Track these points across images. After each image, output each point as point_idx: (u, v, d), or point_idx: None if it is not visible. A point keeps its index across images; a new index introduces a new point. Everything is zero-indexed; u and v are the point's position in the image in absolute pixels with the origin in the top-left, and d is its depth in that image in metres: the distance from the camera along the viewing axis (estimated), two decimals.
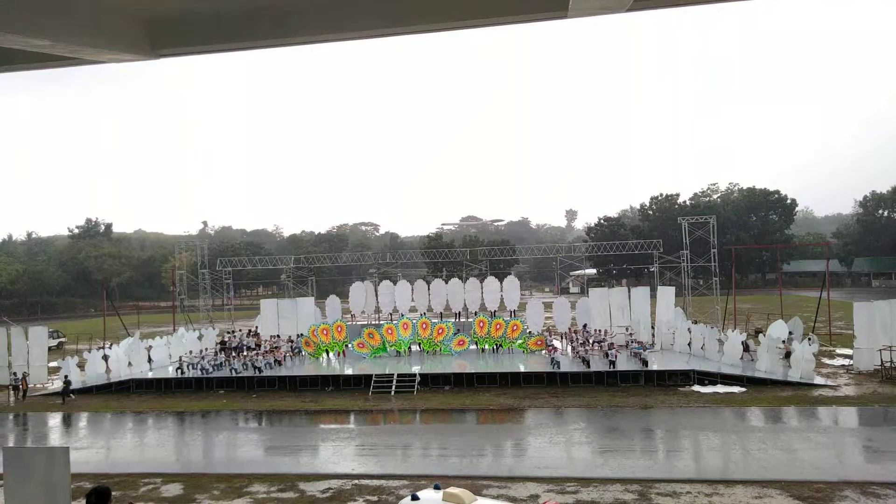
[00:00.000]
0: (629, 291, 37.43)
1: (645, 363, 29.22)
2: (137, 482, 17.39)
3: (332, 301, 41.11)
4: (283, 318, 37.00)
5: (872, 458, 17.69)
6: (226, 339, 38.29)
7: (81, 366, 33.54)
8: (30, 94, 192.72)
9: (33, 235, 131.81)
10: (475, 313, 39.18)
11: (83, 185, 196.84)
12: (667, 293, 36.96)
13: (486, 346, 35.09)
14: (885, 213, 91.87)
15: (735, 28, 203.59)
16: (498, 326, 34.91)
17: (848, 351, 32.28)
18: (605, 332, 34.76)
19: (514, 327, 34.81)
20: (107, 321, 49.85)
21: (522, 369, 29.98)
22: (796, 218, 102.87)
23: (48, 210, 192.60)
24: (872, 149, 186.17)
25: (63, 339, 51.75)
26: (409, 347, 35.49)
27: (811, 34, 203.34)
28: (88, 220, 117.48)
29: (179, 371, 31.82)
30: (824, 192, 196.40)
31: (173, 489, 16.80)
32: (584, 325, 36.26)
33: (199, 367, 32.07)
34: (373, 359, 34.46)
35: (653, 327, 35.40)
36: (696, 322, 36.50)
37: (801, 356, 27.31)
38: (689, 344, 32.42)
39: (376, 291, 41.14)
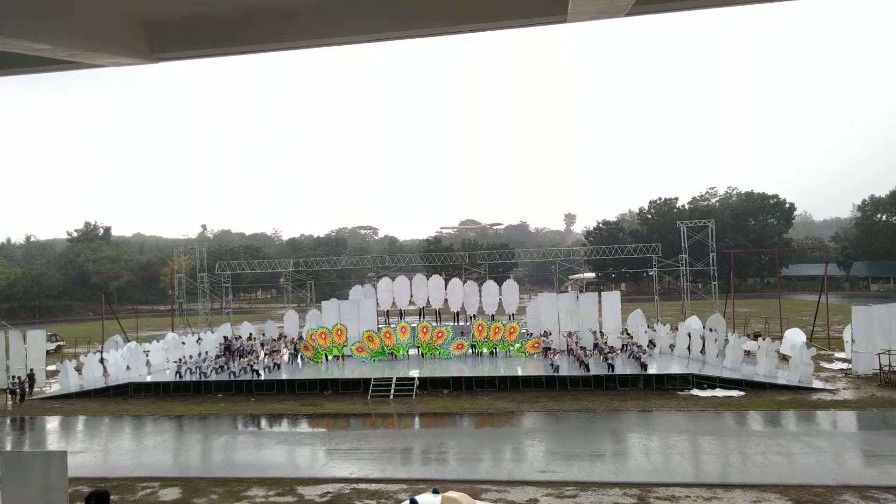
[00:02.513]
0: (577, 297, 37.51)
1: (644, 367, 29.21)
2: (135, 486, 17.34)
3: (332, 304, 41.15)
4: (344, 320, 36.87)
5: (871, 462, 17.68)
6: (231, 342, 38.20)
7: (79, 369, 33.48)
8: (28, 96, 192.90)
9: (32, 239, 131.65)
10: (473, 316, 39.28)
11: (82, 189, 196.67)
12: (612, 298, 37.20)
13: (485, 350, 35.10)
14: (884, 218, 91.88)
15: (732, 33, 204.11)
16: (497, 330, 34.97)
17: (846, 355, 32.28)
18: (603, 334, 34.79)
19: (512, 329, 34.88)
20: (105, 325, 49.84)
21: (521, 373, 29.95)
22: (795, 222, 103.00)
23: (47, 213, 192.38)
24: (870, 154, 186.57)
25: (61, 343, 51.64)
26: (408, 351, 35.49)
27: (808, 39, 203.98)
28: (87, 224, 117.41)
29: (178, 375, 31.77)
30: (823, 196, 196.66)
31: (171, 493, 16.75)
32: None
33: (197, 371, 32.02)
34: (372, 363, 34.46)
35: (602, 332, 35.61)
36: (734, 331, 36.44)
37: (800, 360, 27.34)
38: (688, 347, 32.44)
39: (375, 290, 41.34)
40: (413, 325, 35.96)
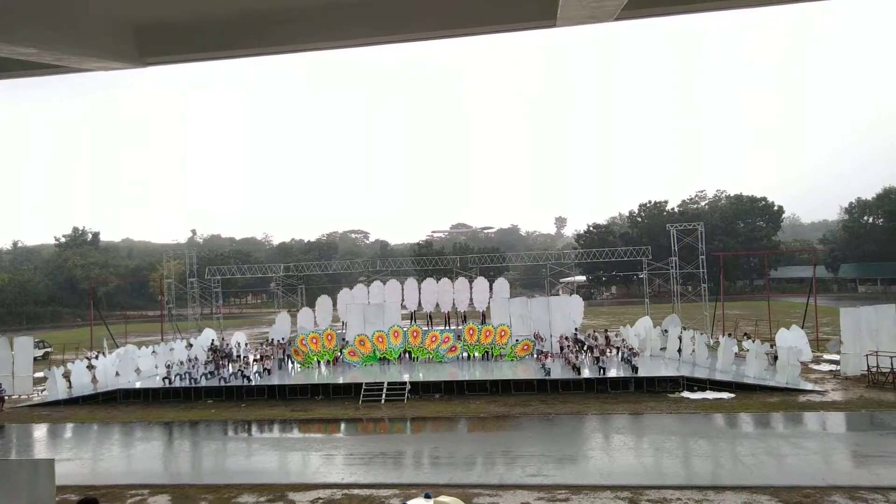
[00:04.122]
0: (528, 302, 37.64)
1: (635, 370, 29.29)
2: (124, 494, 17.16)
3: (323, 301, 41.06)
4: (369, 323, 36.68)
5: (860, 463, 17.81)
6: (218, 347, 37.95)
7: (67, 376, 33.17)
8: (14, 101, 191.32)
9: (19, 244, 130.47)
10: (464, 317, 39.36)
11: (70, 194, 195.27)
12: (561, 302, 37.83)
13: (476, 354, 35.07)
14: (870, 220, 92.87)
15: (726, 34, 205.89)
16: (487, 333, 35.00)
17: (835, 356, 32.52)
18: (595, 336, 34.90)
19: (502, 333, 34.92)
20: (94, 330, 49.41)
21: (512, 377, 29.93)
22: (783, 224, 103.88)
23: (34, 219, 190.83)
24: (863, 156, 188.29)
25: (49, 349, 51.12)
26: (400, 355, 35.43)
27: (804, 41, 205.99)
28: (75, 229, 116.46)
29: (167, 381, 31.49)
30: (810, 198, 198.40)
31: (161, 501, 16.60)
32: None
33: (187, 376, 31.76)
34: (363, 367, 34.37)
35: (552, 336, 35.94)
36: (685, 328, 36.72)
37: (787, 361, 27.53)
38: (679, 350, 32.58)
39: (368, 292, 41.22)
40: (405, 329, 35.92)
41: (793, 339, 31.34)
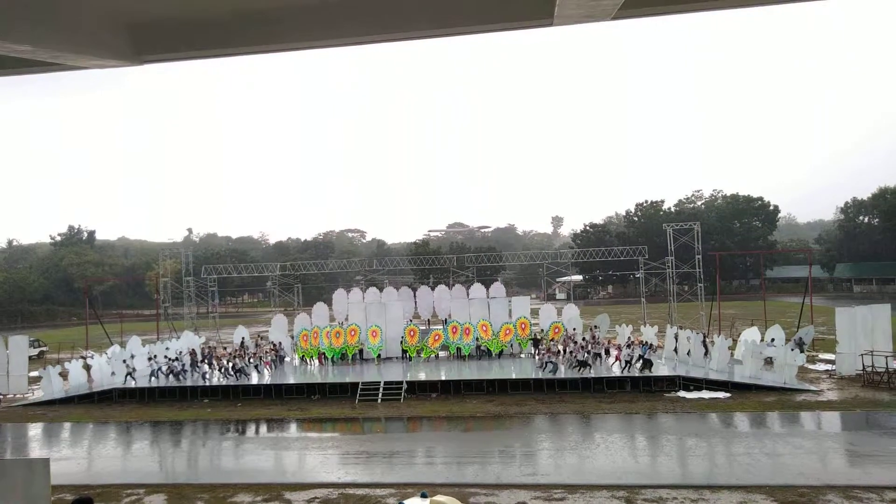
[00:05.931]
0: (488, 303, 37.83)
1: (627, 367, 29.28)
2: (120, 493, 17.11)
3: (319, 308, 40.96)
4: (372, 323, 36.70)
5: (855, 462, 17.88)
6: (202, 352, 37.53)
7: (64, 375, 33.06)
8: (10, 98, 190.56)
9: (14, 243, 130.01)
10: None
11: (65, 192, 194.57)
12: (521, 303, 38.19)
13: (491, 349, 34.85)
14: (866, 220, 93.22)
15: (723, 36, 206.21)
16: (507, 332, 34.89)
17: (830, 356, 32.64)
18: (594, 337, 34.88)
19: (523, 325, 35.03)
20: (89, 329, 49.26)
21: (510, 376, 29.92)
22: (779, 224, 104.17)
23: (30, 217, 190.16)
24: (862, 158, 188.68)
25: (44, 349, 50.94)
26: (379, 355, 35.40)
27: (803, 42, 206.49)
28: (71, 228, 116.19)
29: (153, 377, 31.46)
30: (807, 198, 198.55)
31: (157, 500, 16.56)
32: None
33: (169, 373, 31.55)
34: (332, 359, 34.85)
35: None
36: (681, 328, 36.77)
37: (784, 361, 27.61)
38: (675, 349, 32.60)
39: (363, 297, 41.06)
40: (382, 327, 35.80)
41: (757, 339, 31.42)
